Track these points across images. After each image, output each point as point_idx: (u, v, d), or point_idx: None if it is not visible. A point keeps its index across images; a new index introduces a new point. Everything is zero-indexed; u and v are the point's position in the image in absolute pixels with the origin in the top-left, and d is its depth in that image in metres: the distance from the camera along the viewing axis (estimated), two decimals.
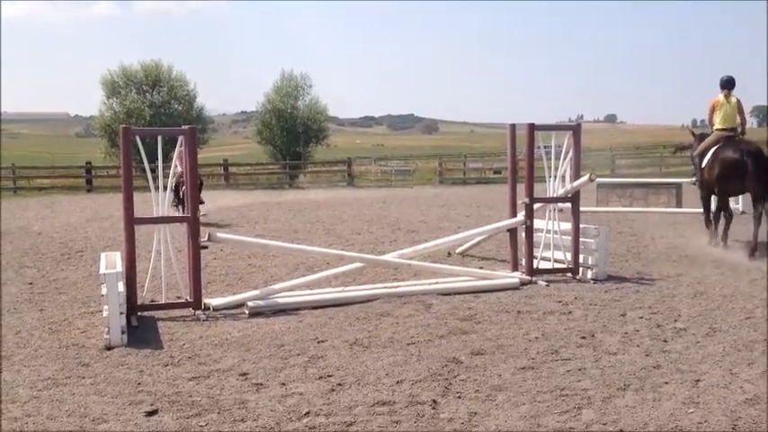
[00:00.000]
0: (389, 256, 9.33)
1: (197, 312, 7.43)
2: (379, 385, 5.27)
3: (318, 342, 6.45)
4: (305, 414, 4.74)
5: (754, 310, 7.46)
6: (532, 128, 9.26)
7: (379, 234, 14.21)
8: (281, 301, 7.86)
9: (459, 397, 5.03)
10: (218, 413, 4.78)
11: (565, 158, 9.42)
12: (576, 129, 9.63)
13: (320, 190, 30.01)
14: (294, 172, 37.90)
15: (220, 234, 7.89)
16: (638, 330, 6.75)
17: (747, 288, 8.54)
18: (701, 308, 7.61)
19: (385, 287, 8.52)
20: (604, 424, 4.54)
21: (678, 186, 18.86)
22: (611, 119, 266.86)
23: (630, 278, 9.25)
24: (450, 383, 5.30)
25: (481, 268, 9.81)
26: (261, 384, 5.33)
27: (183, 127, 7.72)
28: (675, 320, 7.09)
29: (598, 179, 13.78)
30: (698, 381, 5.32)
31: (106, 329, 6.39)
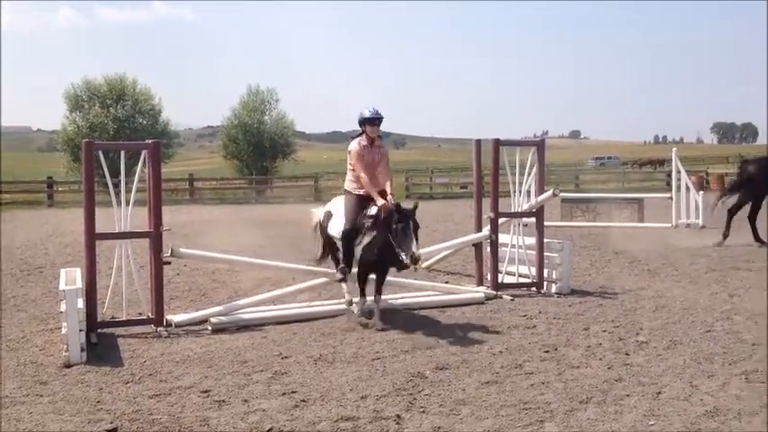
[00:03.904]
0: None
1: (159, 329, 7.33)
2: (344, 401, 5.24)
3: (282, 358, 6.40)
4: (268, 431, 4.69)
5: (714, 323, 7.58)
6: (498, 143, 9.36)
7: None
8: (245, 316, 7.79)
9: (424, 411, 5.02)
10: (180, 431, 4.72)
11: (529, 174, 9.51)
12: (540, 144, 9.75)
13: (287, 205, 29.89)
14: (261, 187, 37.75)
15: (184, 249, 7.81)
16: (600, 344, 6.81)
17: (707, 301, 8.68)
18: (663, 321, 7.71)
19: None
20: None
21: (640, 201, 19.14)
22: (575, 134, 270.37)
23: (594, 292, 9.34)
24: (415, 398, 5.29)
25: (447, 283, 9.84)
26: (223, 401, 5.27)
27: (146, 141, 7.65)
28: (637, 334, 7.17)
29: (562, 194, 13.96)
30: (659, 393, 5.38)
31: (65, 347, 6.27)
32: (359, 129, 7.90)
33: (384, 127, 7.97)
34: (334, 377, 5.81)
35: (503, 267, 9.43)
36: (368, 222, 7.55)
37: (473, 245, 9.84)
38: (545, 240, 9.45)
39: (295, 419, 4.89)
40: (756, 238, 13.44)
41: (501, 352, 6.52)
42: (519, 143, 10.86)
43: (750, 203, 13.74)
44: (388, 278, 8.40)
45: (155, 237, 7.36)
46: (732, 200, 14.05)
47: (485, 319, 7.88)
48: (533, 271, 9.33)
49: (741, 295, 9.01)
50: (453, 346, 6.74)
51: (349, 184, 7.97)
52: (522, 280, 9.43)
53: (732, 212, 13.83)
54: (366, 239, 7.55)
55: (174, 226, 17.75)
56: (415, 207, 7.44)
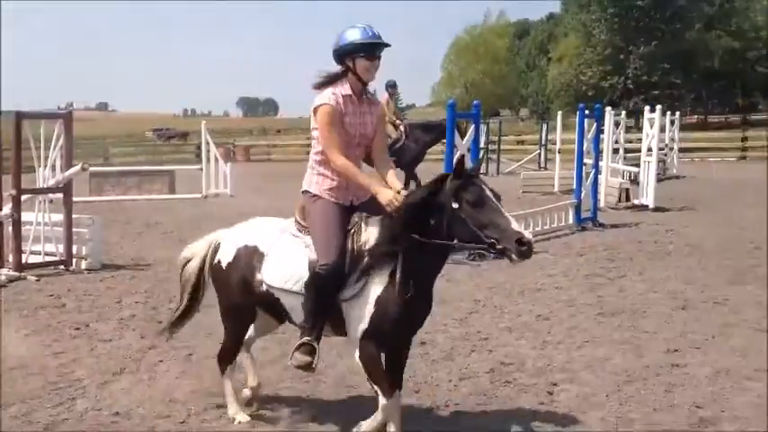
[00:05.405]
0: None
1: None
2: None
3: None
4: None
5: None
6: (19, 116, 8.78)
7: None
8: None
9: None
10: None
11: (56, 147, 9.09)
12: (66, 117, 9.36)
13: None
14: None
15: None
16: (134, 315, 6.92)
17: None
18: None
19: None
20: (99, 410, 4.62)
21: (171, 173, 19.57)
22: (102, 106, 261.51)
23: (126, 265, 9.36)
24: None
25: None
26: None
27: None
28: (170, 301, 7.37)
29: (91, 168, 13.59)
30: (191, 354, 5.72)
31: None
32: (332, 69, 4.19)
33: None
34: None
35: (27, 247, 8.89)
36: (367, 255, 3.87)
37: None
38: (74, 216, 9.16)
39: None
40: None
41: (27, 335, 6.20)
42: (44, 115, 10.35)
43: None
44: None
45: None
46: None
47: (8, 302, 7.38)
48: (61, 248, 8.98)
49: None
50: None
51: (316, 182, 4.18)
52: (48, 258, 9.01)
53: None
54: (376, 290, 3.86)
55: None
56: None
